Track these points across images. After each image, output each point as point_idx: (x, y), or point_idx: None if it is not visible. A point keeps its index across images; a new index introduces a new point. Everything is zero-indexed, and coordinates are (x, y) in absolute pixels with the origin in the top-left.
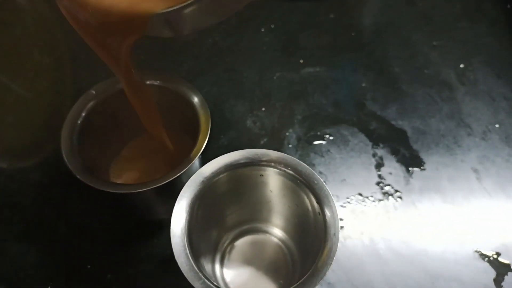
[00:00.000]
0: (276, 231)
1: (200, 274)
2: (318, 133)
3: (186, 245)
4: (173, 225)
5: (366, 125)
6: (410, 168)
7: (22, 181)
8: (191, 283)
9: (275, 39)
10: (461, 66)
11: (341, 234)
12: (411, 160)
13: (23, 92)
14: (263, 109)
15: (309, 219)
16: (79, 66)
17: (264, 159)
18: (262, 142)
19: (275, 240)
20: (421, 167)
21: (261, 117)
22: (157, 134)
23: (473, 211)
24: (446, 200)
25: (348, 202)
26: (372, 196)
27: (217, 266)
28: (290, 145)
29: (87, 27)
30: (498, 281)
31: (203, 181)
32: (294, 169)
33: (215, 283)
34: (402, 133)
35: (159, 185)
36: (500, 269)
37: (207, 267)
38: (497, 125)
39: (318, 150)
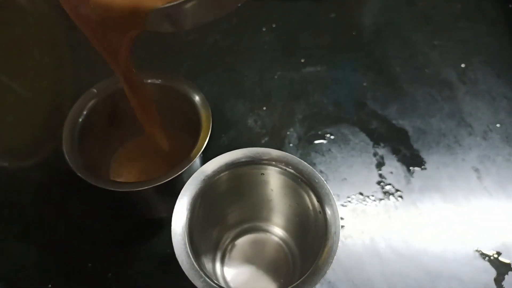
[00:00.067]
0: (277, 230)
1: (201, 273)
2: (319, 132)
3: (187, 243)
4: (174, 223)
5: (366, 125)
6: (411, 168)
7: (22, 180)
8: (192, 281)
9: (276, 38)
10: (462, 65)
11: (342, 233)
12: (411, 160)
13: (23, 91)
14: (264, 108)
15: (309, 218)
16: (79, 66)
17: (265, 157)
18: (263, 141)
19: (276, 239)
20: (422, 167)
21: (262, 116)
22: (153, 132)
23: (473, 210)
24: (446, 199)
25: (349, 201)
26: (372, 196)
27: (218, 265)
28: (291, 144)
29: (88, 21)
30: (498, 280)
31: (204, 179)
32: (295, 168)
33: (215, 282)
34: (403, 133)
35: (160, 183)
36: (501, 268)
37: (208, 265)
38: (497, 125)
39: (319, 149)
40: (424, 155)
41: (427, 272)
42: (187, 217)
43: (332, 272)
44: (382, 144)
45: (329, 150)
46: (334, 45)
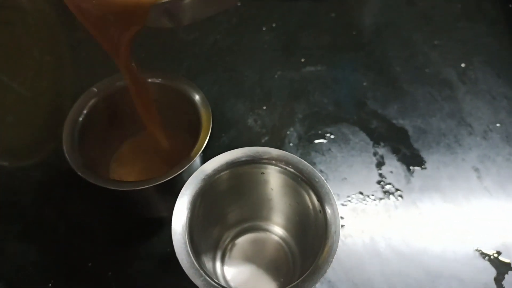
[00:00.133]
0: (277, 229)
1: (201, 271)
2: (319, 132)
3: (187, 242)
4: (174, 222)
5: (367, 124)
6: (411, 167)
7: (22, 180)
8: (192, 280)
9: (276, 38)
10: (462, 65)
11: (342, 233)
12: (412, 159)
13: (23, 91)
14: (264, 108)
15: (310, 217)
16: (79, 66)
17: (265, 157)
18: (263, 140)
19: (276, 238)
20: (422, 166)
21: (262, 116)
22: (153, 131)
23: (473, 210)
24: (446, 199)
25: (349, 200)
26: (373, 195)
27: (218, 264)
28: (291, 144)
29: (90, 17)
30: (498, 280)
31: (204, 178)
32: (295, 167)
33: (215, 281)
34: (403, 132)
35: (160, 182)
36: (501, 268)
37: (208, 264)
38: (498, 124)
39: (319, 149)
40: (424, 154)
41: (427, 272)
42: (187, 216)
43: (332, 271)
44: (382, 144)
45: (329, 149)
46: (334, 45)
